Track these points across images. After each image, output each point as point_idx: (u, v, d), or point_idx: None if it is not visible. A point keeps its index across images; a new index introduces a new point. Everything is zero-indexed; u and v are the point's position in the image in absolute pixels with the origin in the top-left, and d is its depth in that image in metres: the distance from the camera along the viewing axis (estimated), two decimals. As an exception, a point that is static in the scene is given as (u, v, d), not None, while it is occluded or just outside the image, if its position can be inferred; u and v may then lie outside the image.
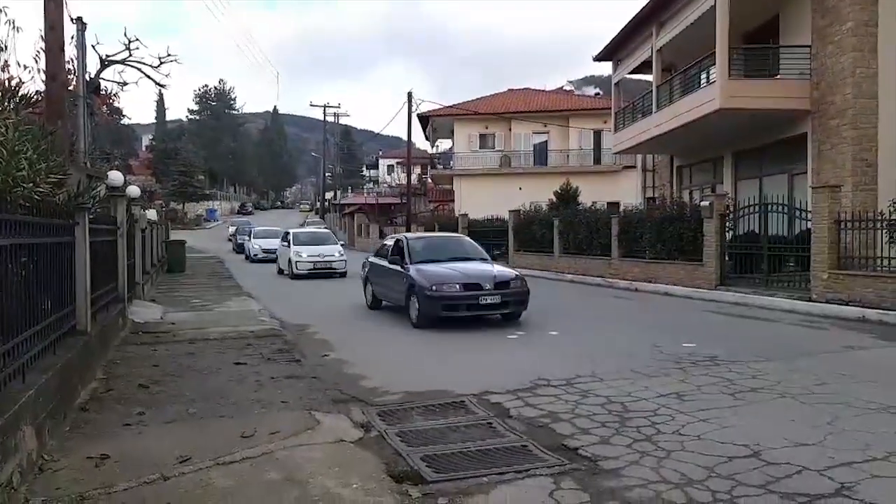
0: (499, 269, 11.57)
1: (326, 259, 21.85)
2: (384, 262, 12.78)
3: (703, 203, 15.61)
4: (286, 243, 23.29)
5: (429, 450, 4.93)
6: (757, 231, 14.49)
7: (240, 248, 36.95)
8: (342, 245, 24.27)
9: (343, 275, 21.54)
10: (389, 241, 13.58)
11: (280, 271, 23.66)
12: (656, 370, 7.44)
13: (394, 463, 4.67)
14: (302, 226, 45.08)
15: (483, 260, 12.26)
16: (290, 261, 21.99)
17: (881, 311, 10.78)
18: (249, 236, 33.50)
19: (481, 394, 6.50)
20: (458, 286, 10.63)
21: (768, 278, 13.98)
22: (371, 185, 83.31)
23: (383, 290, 12.93)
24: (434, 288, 10.56)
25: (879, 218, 11.68)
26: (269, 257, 28.48)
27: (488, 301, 10.62)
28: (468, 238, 13.81)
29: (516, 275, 11.50)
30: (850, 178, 14.56)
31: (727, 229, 15.06)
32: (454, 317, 10.55)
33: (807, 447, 4.82)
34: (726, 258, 15.01)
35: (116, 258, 10.55)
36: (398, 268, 11.85)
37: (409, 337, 10.38)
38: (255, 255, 30.62)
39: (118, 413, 5.87)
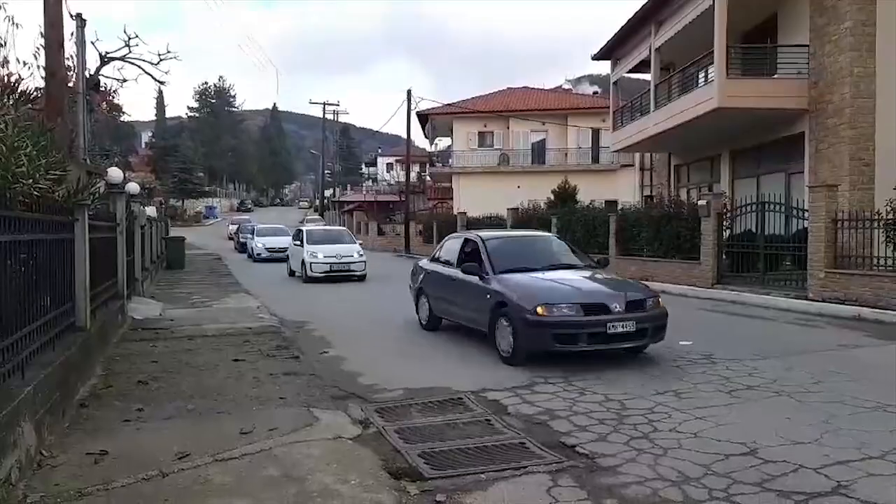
0: (624, 283, 8.79)
1: (344, 260, 19.69)
2: (449, 270, 9.91)
3: (700, 202, 15.64)
4: (298, 242, 21.08)
5: (427, 446, 4.95)
6: (754, 230, 14.51)
7: (242, 248, 35.05)
8: (360, 244, 22.04)
9: (362, 278, 19.72)
10: (454, 243, 10.55)
11: (291, 273, 21.57)
12: (653, 368, 7.46)
13: (392, 459, 4.69)
14: (301, 223, 44.90)
15: (590, 267, 9.36)
16: (303, 262, 19.85)
17: (877, 310, 10.81)
18: (252, 234, 31.96)
19: (479, 391, 6.52)
20: (575, 308, 7.57)
21: (765, 277, 14.01)
22: (370, 182, 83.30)
23: (448, 307, 9.96)
24: (539, 310, 7.52)
25: (876, 217, 11.71)
26: (274, 256, 27.18)
27: (619, 329, 7.47)
28: (558, 238, 10.94)
29: (649, 290, 8.73)
30: (848, 177, 14.59)
31: (724, 228, 15.09)
32: (570, 352, 7.60)
33: (803, 445, 4.85)
34: (723, 257, 15.04)
35: (116, 255, 10.55)
36: (474, 279, 8.87)
37: (412, 333, 10.39)
38: (259, 254, 29.13)
39: (117, 409, 5.88)
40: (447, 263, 10.24)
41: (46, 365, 5.17)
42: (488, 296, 8.45)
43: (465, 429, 5.39)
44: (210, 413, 5.83)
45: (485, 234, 10.24)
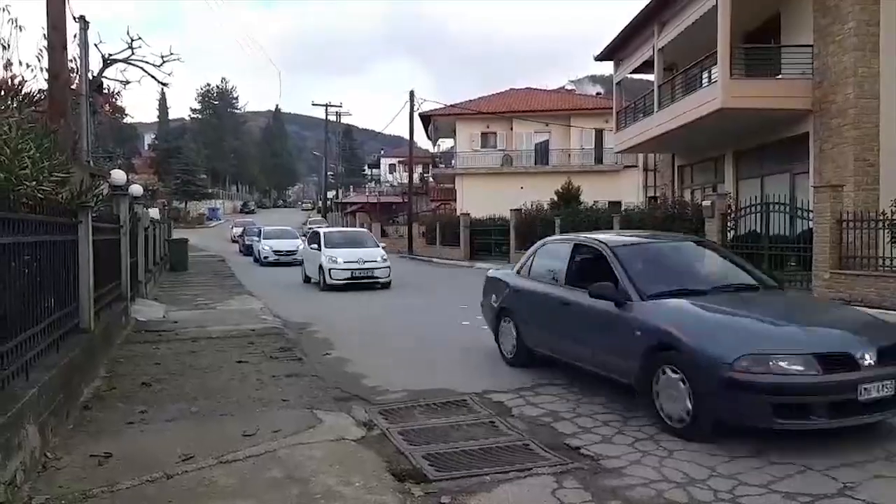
0: (855, 316, 6.28)
1: (367, 266, 17.92)
2: (554, 289, 7.22)
3: (704, 202, 15.60)
4: (315, 245, 18.94)
5: (431, 448, 4.94)
6: (758, 231, 14.48)
7: (248, 250, 33.78)
8: (383, 247, 20.29)
9: (386, 285, 18.03)
10: (556, 250, 7.77)
11: (307, 279, 19.80)
12: (658, 369, 7.42)
13: (396, 461, 4.68)
14: (304, 224, 44.88)
15: (772, 288, 6.66)
16: (321, 267, 17.92)
17: (882, 311, 10.75)
18: (259, 237, 30.34)
19: (483, 392, 6.51)
20: (806, 360, 4.81)
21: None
22: (373, 184, 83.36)
23: (554, 339, 7.23)
24: (746, 363, 4.80)
25: (881, 218, 11.67)
26: (282, 260, 26.67)
27: (873, 394, 4.75)
28: (708, 242, 8.24)
29: (888, 323, 6.17)
30: (852, 177, 14.54)
31: (729, 229, 15.06)
32: (799, 429, 4.90)
33: (808, 446, 4.82)
34: (728, 258, 14.99)
35: (119, 257, 10.57)
36: (606, 305, 6.10)
37: (417, 336, 10.37)
38: (266, 257, 27.87)
39: (121, 411, 5.89)
40: (553, 280, 7.45)
41: (50, 367, 5.18)
42: (638, 332, 5.73)
43: (469, 430, 5.37)
44: (213, 415, 5.82)
45: (610, 237, 7.52)
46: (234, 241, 44.34)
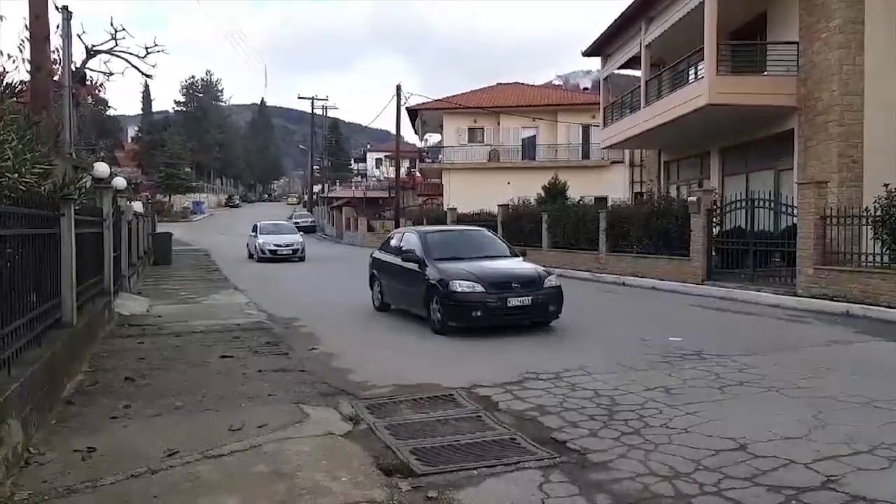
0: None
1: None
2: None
3: (690, 198, 15.70)
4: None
5: (418, 443, 4.93)
6: (743, 226, 14.59)
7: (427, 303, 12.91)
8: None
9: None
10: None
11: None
12: (644, 364, 7.48)
13: (383, 456, 4.66)
14: (290, 219, 44.56)
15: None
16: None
17: (865, 307, 10.89)
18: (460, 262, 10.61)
19: (470, 387, 6.51)
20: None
21: (754, 273, 14.08)
22: (359, 178, 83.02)
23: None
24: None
25: (864, 214, 11.78)
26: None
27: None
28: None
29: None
30: (836, 174, 14.68)
31: (714, 224, 15.16)
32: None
33: (793, 440, 4.87)
34: (713, 253, 15.11)
35: (102, 250, 10.45)
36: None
37: (401, 331, 10.36)
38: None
39: (105, 406, 5.83)
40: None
41: (33, 361, 5.12)
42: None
43: (456, 425, 5.37)
44: (198, 410, 5.78)
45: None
46: (258, 259, 27.35)
